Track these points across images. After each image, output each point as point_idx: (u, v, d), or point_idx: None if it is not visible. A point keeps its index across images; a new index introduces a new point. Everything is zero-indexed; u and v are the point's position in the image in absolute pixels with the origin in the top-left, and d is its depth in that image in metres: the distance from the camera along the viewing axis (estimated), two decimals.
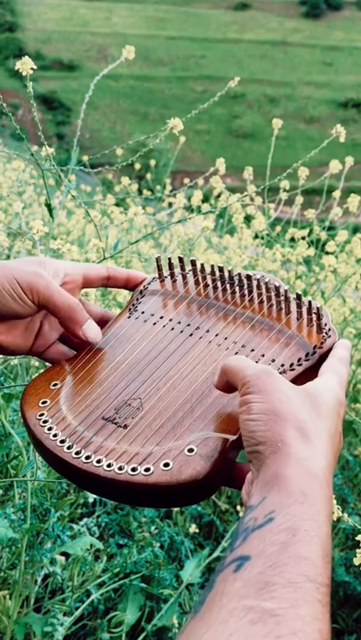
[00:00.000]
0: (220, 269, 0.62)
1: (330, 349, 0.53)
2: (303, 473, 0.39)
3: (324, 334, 0.54)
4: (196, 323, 0.57)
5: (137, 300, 0.62)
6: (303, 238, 1.86)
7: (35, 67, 0.89)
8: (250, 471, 0.42)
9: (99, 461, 0.46)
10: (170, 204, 3.01)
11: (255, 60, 52.66)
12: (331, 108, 46.06)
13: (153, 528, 1.40)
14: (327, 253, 1.71)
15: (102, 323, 0.61)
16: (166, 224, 1.37)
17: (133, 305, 0.62)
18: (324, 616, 0.33)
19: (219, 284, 0.61)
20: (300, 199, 2.05)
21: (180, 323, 0.58)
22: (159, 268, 0.64)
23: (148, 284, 0.64)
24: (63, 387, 0.54)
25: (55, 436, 0.49)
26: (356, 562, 0.74)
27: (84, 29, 54.57)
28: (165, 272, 0.65)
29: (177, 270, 0.65)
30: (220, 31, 57.27)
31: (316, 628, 0.32)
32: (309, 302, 0.55)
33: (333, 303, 2.14)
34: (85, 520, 1.32)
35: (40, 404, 0.52)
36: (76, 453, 0.47)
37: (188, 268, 0.64)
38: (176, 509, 1.52)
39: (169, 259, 0.65)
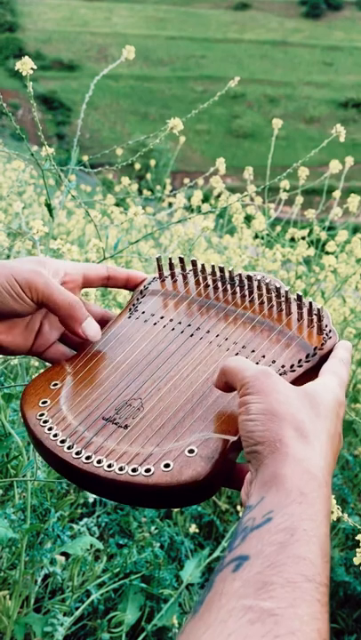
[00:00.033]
0: (221, 270, 0.61)
1: (330, 350, 0.53)
2: (301, 473, 0.39)
3: (324, 335, 0.54)
4: (197, 323, 0.57)
5: (137, 300, 0.62)
6: (303, 238, 1.87)
7: (35, 67, 0.89)
8: (249, 471, 0.42)
9: (99, 462, 0.46)
10: (170, 204, 3.01)
11: (255, 60, 52.66)
12: (331, 108, 46.06)
13: (153, 528, 1.40)
14: (327, 253, 1.71)
15: (102, 323, 0.61)
16: (166, 224, 1.37)
17: (134, 305, 0.62)
18: (323, 615, 0.33)
19: (219, 284, 0.61)
20: (300, 199, 2.05)
21: (180, 323, 0.58)
22: (160, 268, 0.64)
23: (149, 284, 0.64)
24: (63, 387, 0.54)
25: (55, 436, 0.49)
26: (356, 561, 0.74)
27: (84, 29, 54.57)
28: (166, 272, 0.65)
29: (177, 270, 0.64)
30: (220, 31, 57.27)
31: (315, 627, 0.32)
32: (310, 303, 0.55)
33: (333, 303, 2.14)
34: (85, 520, 1.32)
35: (40, 404, 0.52)
36: (77, 454, 0.47)
37: (189, 268, 0.64)
38: (176, 509, 1.52)
39: (169, 259, 0.65)
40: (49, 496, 1.10)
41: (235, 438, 0.45)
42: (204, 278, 0.62)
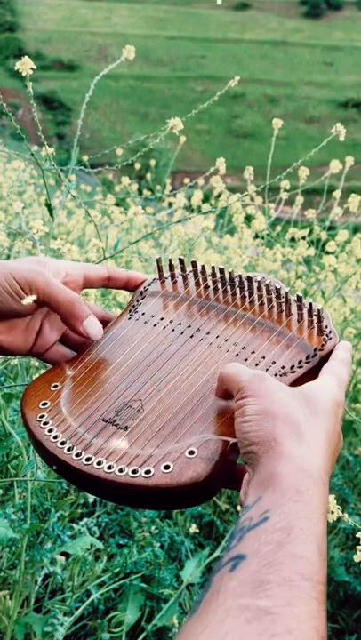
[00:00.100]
0: (221, 271, 0.61)
1: (331, 351, 0.53)
2: (296, 471, 0.39)
3: (324, 336, 0.54)
4: (197, 324, 0.57)
5: (137, 301, 0.62)
6: (303, 238, 1.87)
7: (35, 67, 0.89)
8: (247, 472, 0.42)
9: (99, 463, 0.46)
10: (170, 204, 3.01)
11: (255, 60, 52.65)
12: (331, 108, 46.05)
13: (153, 528, 1.40)
14: (327, 253, 1.71)
15: (103, 324, 0.61)
16: (166, 224, 1.37)
17: (134, 306, 0.62)
18: (321, 614, 0.33)
19: (219, 285, 0.61)
20: (300, 199, 2.05)
21: (180, 324, 0.58)
22: (159, 270, 0.64)
23: (149, 285, 0.64)
24: (63, 388, 0.54)
25: (56, 437, 0.49)
26: (356, 559, 0.74)
27: (84, 29, 54.56)
28: (166, 273, 0.65)
29: (177, 271, 0.64)
30: (220, 31, 57.25)
31: (313, 625, 0.32)
32: (310, 304, 0.55)
33: (334, 303, 2.14)
34: (85, 520, 1.32)
35: (40, 406, 0.52)
36: (77, 455, 0.47)
37: (189, 269, 0.64)
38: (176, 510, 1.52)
39: (169, 260, 0.65)
40: (49, 496, 1.10)
41: (234, 439, 0.46)
42: (204, 279, 0.62)
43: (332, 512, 0.75)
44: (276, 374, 0.50)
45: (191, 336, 0.56)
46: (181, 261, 0.64)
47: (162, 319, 0.59)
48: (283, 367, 0.51)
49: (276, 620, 0.31)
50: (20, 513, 1.02)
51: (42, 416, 0.51)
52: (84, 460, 0.47)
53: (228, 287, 0.61)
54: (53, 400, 0.53)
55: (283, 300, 0.57)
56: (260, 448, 0.40)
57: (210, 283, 0.62)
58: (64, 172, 1.07)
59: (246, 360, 0.52)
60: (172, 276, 0.64)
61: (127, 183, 2.60)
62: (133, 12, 58.81)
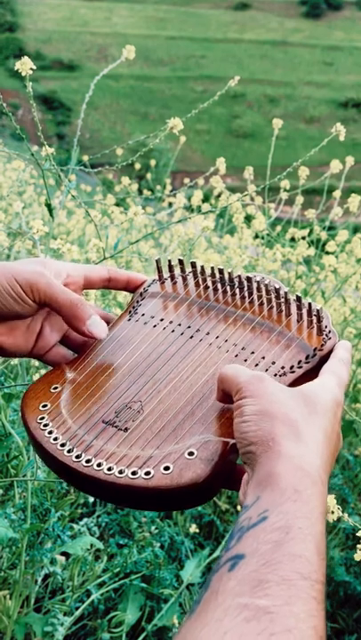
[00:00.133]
0: (221, 271, 0.61)
1: (330, 351, 0.53)
2: (295, 470, 0.39)
3: (324, 336, 0.54)
4: (197, 325, 0.57)
5: (137, 302, 0.62)
6: (303, 238, 1.87)
7: (34, 67, 0.89)
8: (246, 472, 0.42)
9: (99, 465, 0.46)
10: (170, 204, 3.01)
11: (255, 60, 52.65)
12: (331, 108, 46.05)
13: (153, 528, 1.40)
14: (327, 253, 1.71)
15: None
16: (166, 224, 1.37)
17: (134, 307, 0.62)
18: (320, 613, 0.33)
19: (219, 285, 0.61)
20: (300, 199, 2.05)
21: (180, 325, 0.58)
22: (159, 270, 0.64)
23: (149, 286, 0.64)
24: (63, 390, 0.54)
25: (56, 439, 0.49)
26: (356, 558, 0.74)
27: (84, 29, 54.56)
28: (165, 274, 0.65)
29: (177, 272, 0.64)
30: (220, 31, 57.25)
31: (311, 624, 0.32)
32: (309, 304, 0.55)
33: (334, 303, 2.14)
34: (86, 520, 1.32)
35: (41, 408, 0.52)
36: (77, 457, 0.47)
37: (188, 269, 0.64)
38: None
39: (169, 260, 0.65)
40: (49, 496, 1.10)
41: (234, 440, 0.46)
42: (204, 280, 0.62)
43: (333, 512, 0.75)
44: (275, 374, 0.50)
45: (191, 337, 0.56)
46: (181, 262, 0.64)
47: (162, 320, 0.59)
48: (282, 367, 0.51)
49: (274, 619, 0.31)
50: (20, 513, 1.02)
51: (42, 418, 0.51)
52: (83, 462, 0.47)
53: (228, 287, 0.60)
54: (53, 402, 0.53)
55: (282, 299, 0.57)
56: (258, 448, 0.41)
57: (209, 283, 0.62)
58: (64, 172, 1.07)
59: (246, 360, 0.52)
60: (172, 277, 0.64)
61: (127, 183, 2.60)
62: (133, 12, 58.82)
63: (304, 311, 0.55)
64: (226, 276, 0.61)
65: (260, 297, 0.58)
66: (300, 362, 0.51)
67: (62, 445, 0.49)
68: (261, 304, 0.58)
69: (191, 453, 0.45)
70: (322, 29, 58.06)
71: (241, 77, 1.26)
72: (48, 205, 0.99)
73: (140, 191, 3.74)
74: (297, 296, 0.55)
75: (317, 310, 0.54)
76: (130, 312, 0.61)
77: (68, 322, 0.56)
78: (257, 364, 0.52)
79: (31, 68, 0.88)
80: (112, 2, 59.51)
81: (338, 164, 1.52)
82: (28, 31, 51.20)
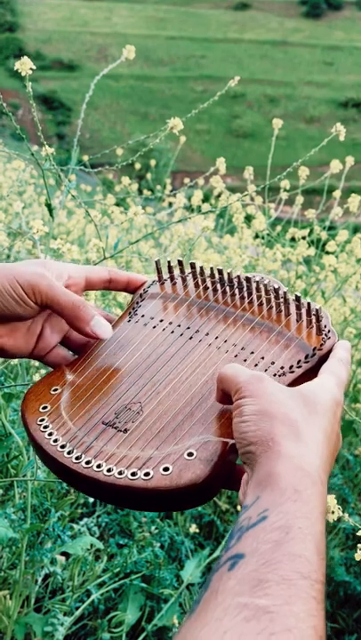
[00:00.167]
0: (220, 272, 0.61)
1: (330, 351, 0.53)
2: (295, 470, 0.39)
3: (323, 336, 0.54)
4: (196, 325, 0.57)
5: (137, 303, 0.62)
6: (304, 238, 1.87)
7: (34, 67, 0.89)
8: (246, 472, 0.42)
9: (99, 466, 0.46)
10: (170, 204, 3.01)
11: (255, 60, 52.65)
12: (331, 108, 46.04)
13: (153, 528, 1.40)
14: (327, 253, 1.72)
15: None
16: (166, 224, 1.37)
17: (133, 308, 0.62)
18: (319, 613, 0.33)
19: (218, 286, 0.61)
20: (300, 199, 2.05)
21: (179, 326, 0.58)
22: (159, 271, 0.64)
23: (148, 287, 0.64)
24: (63, 392, 0.54)
25: (56, 441, 0.49)
26: (356, 558, 0.74)
27: (84, 29, 54.56)
28: (165, 275, 0.65)
29: (176, 273, 0.64)
30: (220, 31, 57.24)
31: (311, 624, 0.32)
32: (308, 304, 0.55)
33: (334, 303, 2.14)
34: (86, 520, 1.32)
35: (41, 410, 0.53)
36: (77, 458, 0.47)
37: (188, 270, 0.64)
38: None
39: (168, 261, 0.65)
40: (49, 496, 1.10)
41: (233, 440, 0.46)
42: (203, 280, 0.62)
43: (333, 512, 0.75)
44: (275, 374, 0.50)
45: (190, 337, 0.56)
46: (180, 263, 0.64)
47: (161, 321, 0.59)
48: (282, 367, 0.51)
49: (274, 618, 0.31)
50: (20, 513, 1.03)
51: (42, 420, 0.51)
52: (83, 464, 0.47)
53: (227, 288, 0.61)
54: (53, 404, 0.53)
55: (281, 299, 0.57)
56: (258, 448, 0.41)
57: (209, 284, 0.62)
58: (64, 171, 1.07)
59: (245, 360, 0.52)
60: (172, 278, 0.64)
61: (127, 183, 2.60)
62: (133, 12, 58.81)
63: (303, 311, 0.55)
64: (225, 277, 0.61)
65: (259, 297, 0.58)
66: (299, 361, 0.51)
67: (62, 447, 0.49)
68: (261, 304, 0.58)
69: (190, 454, 0.45)
70: (322, 29, 58.05)
71: (241, 77, 1.26)
72: (48, 205, 0.99)
73: (140, 191, 3.74)
74: (296, 296, 0.55)
75: (316, 310, 0.54)
76: (130, 313, 0.61)
77: (71, 323, 0.56)
78: (256, 364, 0.52)
79: (31, 68, 0.88)
80: (112, 2, 59.51)
81: (338, 164, 1.52)
82: (28, 31, 51.20)
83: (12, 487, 1.05)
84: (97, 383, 0.54)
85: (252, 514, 0.37)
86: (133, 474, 0.45)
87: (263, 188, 1.41)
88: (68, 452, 0.48)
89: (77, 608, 1.15)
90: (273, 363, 0.52)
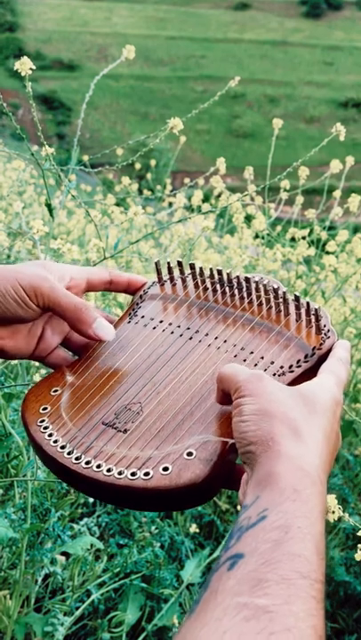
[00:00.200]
0: (219, 272, 0.62)
1: (329, 350, 0.53)
2: (294, 470, 0.39)
3: (323, 335, 0.54)
4: (196, 326, 0.58)
5: (137, 304, 0.62)
6: (304, 238, 1.87)
7: (34, 67, 0.89)
8: (245, 472, 0.42)
9: (98, 466, 0.46)
10: (170, 204, 3.01)
11: (255, 60, 52.64)
12: (331, 108, 46.04)
13: (153, 528, 1.40)
14: (328, 253, 1.72)
15: None
16: (166, 224, 1.37)
17: (133, 309, 0.62)
18: (319, 612, 0.33)
19: (218, 286, 0.61)
20: (300, 199, 2.05)
21: (179, 326, 0.58)
22: (158, 272, 0.64)
23: (148, 288, 0.64)
24: (63, 393, 0.54)
25: (56, 441, 0.49)
26: (356, 558, 0.74)
27: (84, 29, 54.56)
28: (165, 276, 0.65)
29: (176, 274, 0.65)
30: (220, 31, 57.24)
31: (311, 624, 0.32)
32: (308, 304, 0.55)
33: (334, 303, 2.14)
34: (86, 520, 1.32)
35: (41, 411, 0.53)
36: (77, 459, 0.48)
37: (188, 271, 0.64)
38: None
39: (168, 262, 0.65)
40: (49, 496, 1.10)
41: (233, 440, 0.46)
42: (203, 281, 0.62)
43: (333, 512, 0.75)
44: (274, 374, 0.50)
45: (190, 338, 0.56)
46: (180, 264, 0.64)
47: (161, 322, 0.59)
48: (281, 367, 0.51)
49: (274, 618, 0.31)
50: (20, 513, 1.03)
51: (42, 420, 0.52)
52: (83, 464, 0.47)
53: (227, 288, 0.61)
54: (54, 404, 0.53)
55: (281, 299, 0.57)
56: (257, 448, 0.41)
57: (208, 284, 0.62)
58: (64, 171, 1.07)
59: (245, 360, 0.52)
60: (172, 279, 0.64)
61: (127, 183, 2.60)
62: (133, 12, 58.81)
63: (303, 311, 0.55)
64: (225, 277, 0.61)
65: (258, 297, 0.59)
66: (298, 361, 0.52)
67: (62, 447, 0.49)
68: (260, 304, 0.58)
69: (190, 454, 0.45)
70: (322, 29, 58.05)
71: (241, 77, 1.26)
72: (48, 205, 0.99)
73: (140, 191, 3.74)
74: (295, 295, 0.55)
75: (316, 309, 0.54)
76: (130, 314, 0.62)
77: (73, 326, 0.56)
78: (256, 364, 0.52)
79: (31, 68, 0.88)
80: (112, 2, 59.51)
81: (338, 163, 1.52)
82: (28, 31, 51.20)
83: (12, 487, 1.05)
84: (97, 384, 0.54)
85: (252, 513, 0.37)
86: (133, 474, 0.45)
87: (263, 188, 1.41)
88: (68, 453, 0.48)
89: (77, 608, 1.15)
90: (272, 362, 0.52)
